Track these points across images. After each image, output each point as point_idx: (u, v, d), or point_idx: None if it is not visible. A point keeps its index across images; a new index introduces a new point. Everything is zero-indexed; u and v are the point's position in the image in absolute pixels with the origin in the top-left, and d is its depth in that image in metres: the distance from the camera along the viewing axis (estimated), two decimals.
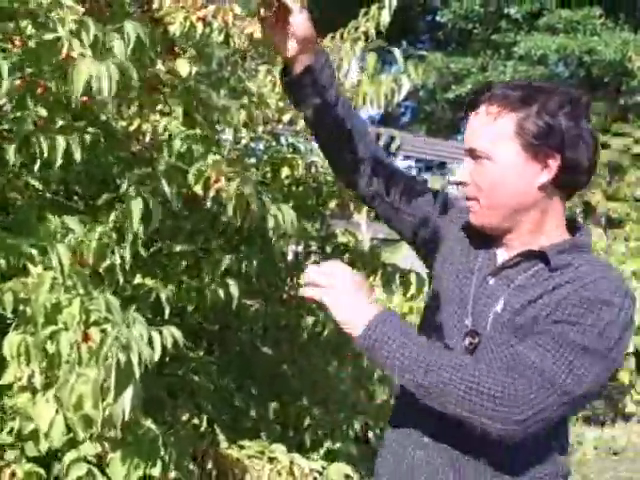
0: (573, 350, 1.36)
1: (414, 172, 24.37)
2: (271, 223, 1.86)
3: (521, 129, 1.46)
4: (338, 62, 2.47)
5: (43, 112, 1.67)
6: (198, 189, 1.64)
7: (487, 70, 19.48)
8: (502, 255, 1.57)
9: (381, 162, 1.72)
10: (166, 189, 1.46)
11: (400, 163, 22.23)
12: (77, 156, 1.56)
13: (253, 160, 2.74)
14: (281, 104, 2.54)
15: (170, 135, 1.85)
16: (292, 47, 1.56)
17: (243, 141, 2.66)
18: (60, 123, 1.73)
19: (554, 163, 1.47)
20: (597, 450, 5.54)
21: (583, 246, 1.53)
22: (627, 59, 17.60)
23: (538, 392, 1.34)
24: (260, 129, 2.60)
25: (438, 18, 20.74)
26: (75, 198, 2.08)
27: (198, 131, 1.86)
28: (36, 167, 1.55)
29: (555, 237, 1.52)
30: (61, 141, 1.54)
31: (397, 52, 2.35)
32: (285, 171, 2.58)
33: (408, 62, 2.47)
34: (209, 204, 1.63)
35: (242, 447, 2.06)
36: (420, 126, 21.96)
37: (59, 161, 1.53)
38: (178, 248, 2.12)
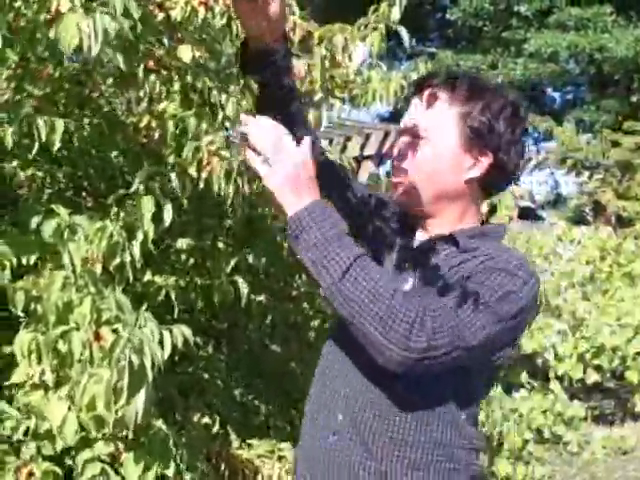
0: (474, 304, 1.41)
1: None
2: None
3: (464, 122, 1.53)
4: (346, 56, 2.45)
5: (40, 93, 1.67)
6: (192, 170, 1.62)
7: (497, 67, 19.42)
8: (418, 239, 1.63)
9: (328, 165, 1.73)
10: (175, 185, 1.46)
11: None
12: (76, 140, 1.55)
13: None
14: None
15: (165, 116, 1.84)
16: (260, 26, 1.56)
17: None
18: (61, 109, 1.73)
19: (486, 161, 1.54)
20: (606, 450, 5.52)
21: (491, 233, 1.60)
22: (639, 56, 17.52)
23: (439, 329, 1.36)
24: None
25: (448, 16, 20.68)
26: (84, 194, 2.08)
27: (193, 111, 1.83)
28: (34, 150, 1.55)
29: (457, 224, 1.59)
30: (60, 123, 1.53)
31: (404, 32, 2.33)
32: None
33: (418, 59, 2.46)
34: (202, 185, 1.59)
35: (251, 446, 2.06)
36: None
37: (58, 144, 1.52)
38: (185, 245, 2.11)
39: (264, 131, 1.43)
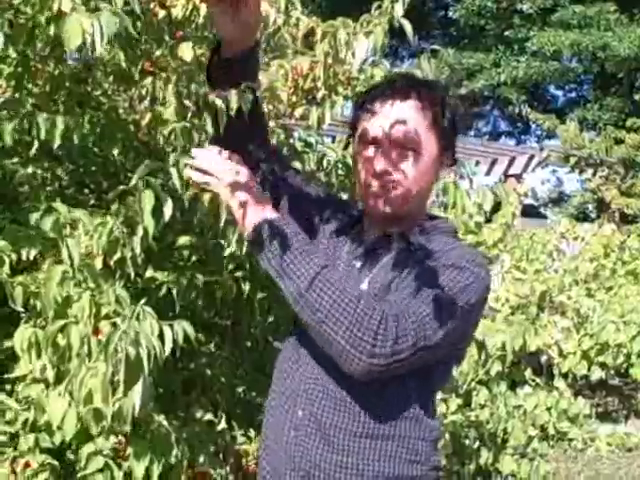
0: (433, 302, 1.45)
1: None
2: None
3: (441, 131, 1.60)
4: (349, 53, 2.44)
5: (40, 91, 1.67)
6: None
7: (500, 65, 19.40)
8: (368, 238, 1.66)
9: (278, 159, 1.81)
10: (176, 182, 1.45)
11: None
12: (76, 137, 1.55)
13: None
14: (293, 98, 2.53)
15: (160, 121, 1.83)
16: (236, 31, 1.57)
17: None
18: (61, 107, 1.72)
19: (447, 161, 1.64)
20: (610, 447, 5.51)
21: (443, 228, 1.66)
22: None
23: (402, 332, 1.41)
24: (272, 123, 2.58)
25: (450, 14, 20.68)
26: (86, 191, 2.08)
27: (182, 124, 1.81)
28: (34, 149, 1.54)
29: (421, 222, 1.65)
30: (60, 120, 1.52)
31: (408, 26, 2.31)
32: (297, 166, 2.57)
33: (421, 57, 2.44)
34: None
35: (252, 440, 2.06)
36: None
37: (58, 141, 1.52)
38: (188, 242, 2.11)
39: (214, 159, 1.47)
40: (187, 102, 1.85)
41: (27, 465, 1.53)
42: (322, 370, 1.55)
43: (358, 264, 1.62)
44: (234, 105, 1.56)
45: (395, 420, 1.54)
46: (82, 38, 1.29)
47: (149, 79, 1.88)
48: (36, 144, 1.54)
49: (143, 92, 2.01)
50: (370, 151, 1.60)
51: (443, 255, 1.54)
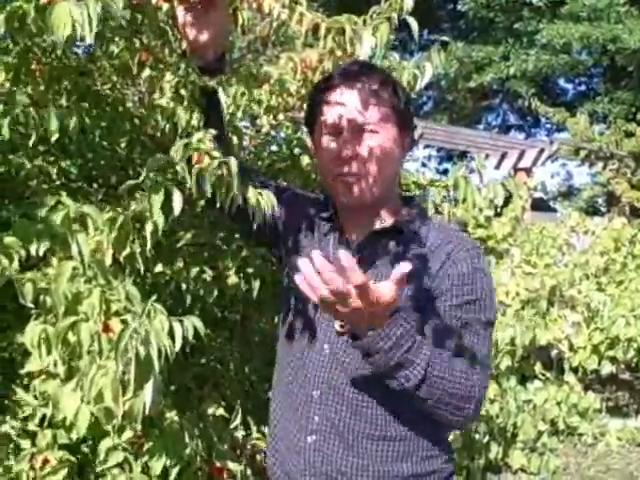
0: (482, 328, 1.51)
1: (435, 162, 24.28)
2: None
3: (397, 111, 1.60)
4: (357, 44, 2.42)
5: (40, 83, 1.66)
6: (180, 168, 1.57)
7: (509, 59, 19.31)
8: (352, 236, 1.64)
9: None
10: (187, 176, 1.43)
11: (421, 152, 22.14)
12: (74, 131, 1.53)
13: (274, 147, 2.72)
14: (302, 91, 2.51)
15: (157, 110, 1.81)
16: (204, 39, 1.56)
17: (264, 129, 2.64)
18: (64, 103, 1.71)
19: (407, 140, 1.65)
20: (621, 441, 5.49)
21: (424, 213, 1.68)
22: None
23: (484, 380, 1.49)
24: (281, 116, 2.57)
25: (459, 7, 20.56)
26: (95, 185, 2.07)
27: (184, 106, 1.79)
28: (30, 142, 1.53)
29: (397, 209, 1.65)
30: (54, 114, 1.51)
31: (413, 22, 2.29)
32: (306, 159, 2.56)
33: (431, 49, 2.41)
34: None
35: (264, 435, 2.05)
36: (441, 115, 21.85)
37: (55, 136, 1.50)
38: (195, 237, 2.10)
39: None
40: (183, 91, 1.83)
41: (46, 461, 1.53)
42: (334, 375, 1.54)
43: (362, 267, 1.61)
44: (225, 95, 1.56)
45: (410, 420, 1.55)
46: (72, 28, 1.26)
47: (147, 71, 1.86)
48: (34, 138, 1.53)
49: (146, 85, 1.99)
50: (333, 141, 1.59)
51: (449, 256, 1.54)
